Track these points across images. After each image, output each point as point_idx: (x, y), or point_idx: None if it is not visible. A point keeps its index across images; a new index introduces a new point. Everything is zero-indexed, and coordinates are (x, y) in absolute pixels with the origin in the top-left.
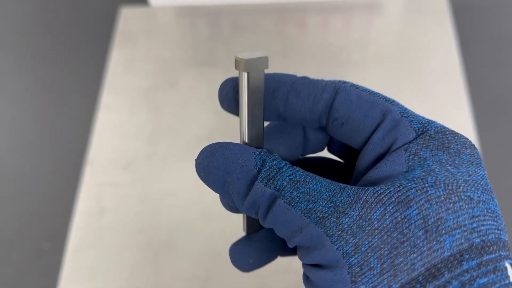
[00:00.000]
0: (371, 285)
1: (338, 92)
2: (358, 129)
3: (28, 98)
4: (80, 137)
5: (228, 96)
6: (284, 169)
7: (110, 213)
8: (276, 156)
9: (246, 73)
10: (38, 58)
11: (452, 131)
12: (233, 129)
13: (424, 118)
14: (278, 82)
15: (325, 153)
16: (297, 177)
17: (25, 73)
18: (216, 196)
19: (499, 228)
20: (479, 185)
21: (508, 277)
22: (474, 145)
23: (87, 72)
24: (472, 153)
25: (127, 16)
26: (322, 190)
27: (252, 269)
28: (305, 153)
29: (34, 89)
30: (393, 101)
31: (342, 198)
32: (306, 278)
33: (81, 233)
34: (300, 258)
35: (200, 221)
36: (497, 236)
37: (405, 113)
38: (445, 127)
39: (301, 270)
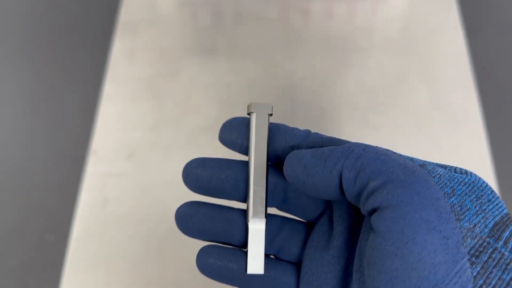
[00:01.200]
0: (473, 222)
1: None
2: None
3: (30, 89)
4: (82, 128)
5: (229, 129)
6: None
7: (114, 203)
8: None
9: (254, 114)
10: (39, 49)
11: None
12: None
13: None
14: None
15: None
16: None
17: (26, 63)
18: None
19: None
20: None
21: None
22: None
23: (89, 62)
24: None
25: (128, 6)
26: None
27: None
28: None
29: (36, 79)
30: None
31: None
32: (379, 232)
33: (84, 223)
34: (385, 199)
35: None
36: None
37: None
38: None
39: None
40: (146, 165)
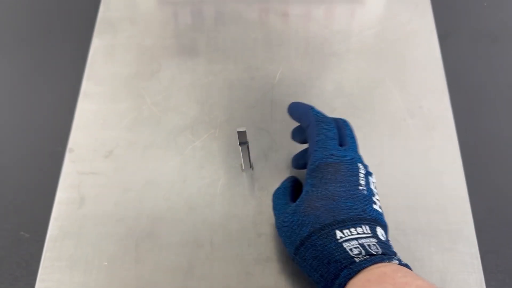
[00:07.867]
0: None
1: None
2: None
3: (7, 87)
4: (60, 126)
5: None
6: None
7: (90, 202)
8: None
9: (237, 132)
10: (17, 46)
11: None
12: (215, 119)
13: None
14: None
15: None
16: None
17: (4, 60)
18: (199, 185)
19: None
20: None
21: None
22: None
23: (67, 60)
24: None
25: (108, 4)
26: None
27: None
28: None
29: (13, 77)
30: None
31: None
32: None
33: (60, 222)
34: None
35: (183, 210)
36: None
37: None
38: None
39: (283, 259)
40: (124, 163)
